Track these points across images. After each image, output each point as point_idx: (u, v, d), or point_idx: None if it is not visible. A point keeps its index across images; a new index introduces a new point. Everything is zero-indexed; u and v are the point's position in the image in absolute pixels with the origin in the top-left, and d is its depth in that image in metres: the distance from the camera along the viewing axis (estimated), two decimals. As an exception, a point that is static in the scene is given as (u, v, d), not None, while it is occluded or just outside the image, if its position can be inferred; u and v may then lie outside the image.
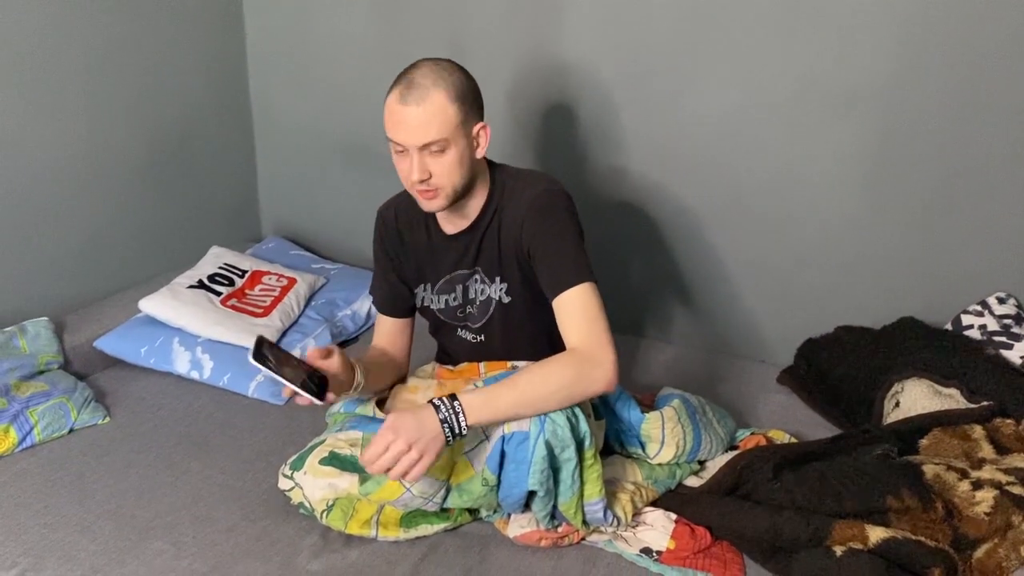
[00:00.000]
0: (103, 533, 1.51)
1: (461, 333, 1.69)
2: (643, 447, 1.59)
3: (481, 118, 1.50)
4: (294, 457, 1.60)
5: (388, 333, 1.72)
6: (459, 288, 1.64)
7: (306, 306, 2.27)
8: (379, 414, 1.63)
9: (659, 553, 1.46)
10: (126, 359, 2.04)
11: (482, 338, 1.67)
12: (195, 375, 2.00)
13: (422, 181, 1.45)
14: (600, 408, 1.58)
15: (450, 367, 1.73)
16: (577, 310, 1.44)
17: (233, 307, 2.13)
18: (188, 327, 2.05)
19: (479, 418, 1.36)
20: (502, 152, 2.29)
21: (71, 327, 2.07)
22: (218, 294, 2.16)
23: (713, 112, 2.04)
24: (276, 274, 2.32)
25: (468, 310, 1.66)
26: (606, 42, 2.09)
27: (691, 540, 1.47)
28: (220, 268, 2.27)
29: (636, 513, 1.53)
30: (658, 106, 2.10)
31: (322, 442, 1.60)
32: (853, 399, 1.85)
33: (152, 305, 2.07)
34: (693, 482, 1.60)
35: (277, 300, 2.20)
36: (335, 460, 1.55)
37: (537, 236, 1.49)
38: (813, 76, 1.92)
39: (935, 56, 1.81)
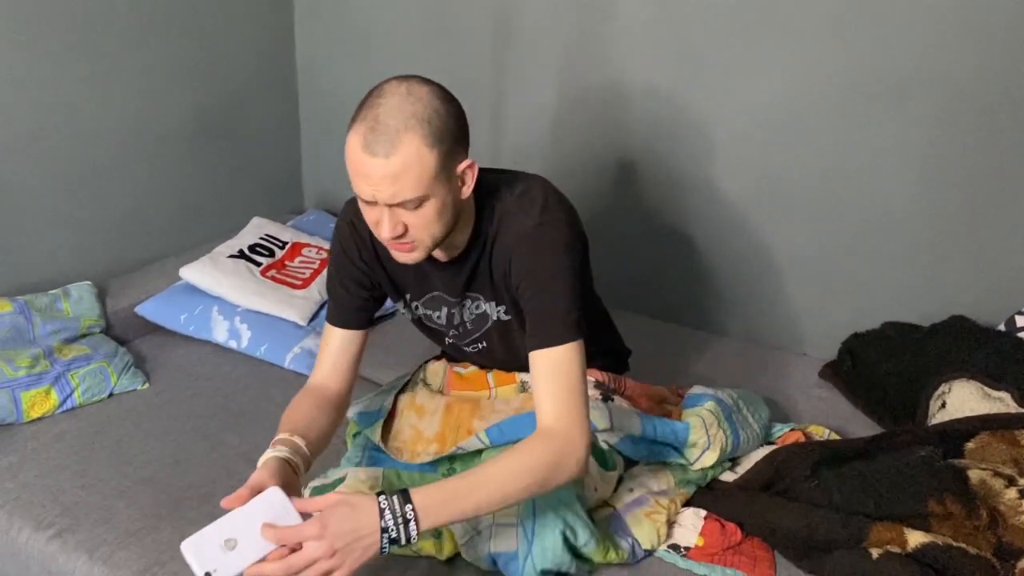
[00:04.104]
0: (139, 498, 1.53)
1: (455, 342, 1.55)
2: (680, 453, 1.53)
3: (466, 152, 1.24)
4: (316, 484, 1.48)
5: (337, 352, 1.43)
6: (444, 309, 1.48)
7: (345, 280, 2.26)
8: (384, 446, 1.54)
9: (687, 549, 1.43)
10: (166, 326, 2.06)
11: (483, 345, 1.52)
12: (233, 344, 2.01)
13: (396, 237, 1.22)
14: (609, 458, 1.46)
15: (459, 371, 1.64)
16: (556, 375, 1.25)
17: (272, 278, 2.14)
18: (227, 296, 2.06)
19: (436, 522, 1.13)
20: (548, 130, 2.26)
21: (113, 292, 2.09)
22: (258, 264, 2.17)
23: (761, 102, 1.99)
24: (316, 246, 2.32)
25: (461, 329, 1.50)
26: (657, 28, 2.05)
27: (721, 536, 1.44)
28: (261, 239, 2.28)
29: (670, 524, 1.46)
30: (705, 95, 2.05)
31: (341, 480, 1.46)
32: (897, 398, 1.81)
33: (192, 273, 2.09)
34: (727, 477, 1.58)
35: (316, 273, 2.20)
36: None
37: (525, 278, 1.30)
38: (864, 66, 1.86)
39: (992, 46, 1.74)
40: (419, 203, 1.18)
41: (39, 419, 1.73)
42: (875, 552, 1.33)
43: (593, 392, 1.54)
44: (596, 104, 2.20)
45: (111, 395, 1.82)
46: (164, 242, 2.32)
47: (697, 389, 1.66)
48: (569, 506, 1.32)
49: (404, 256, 1.26)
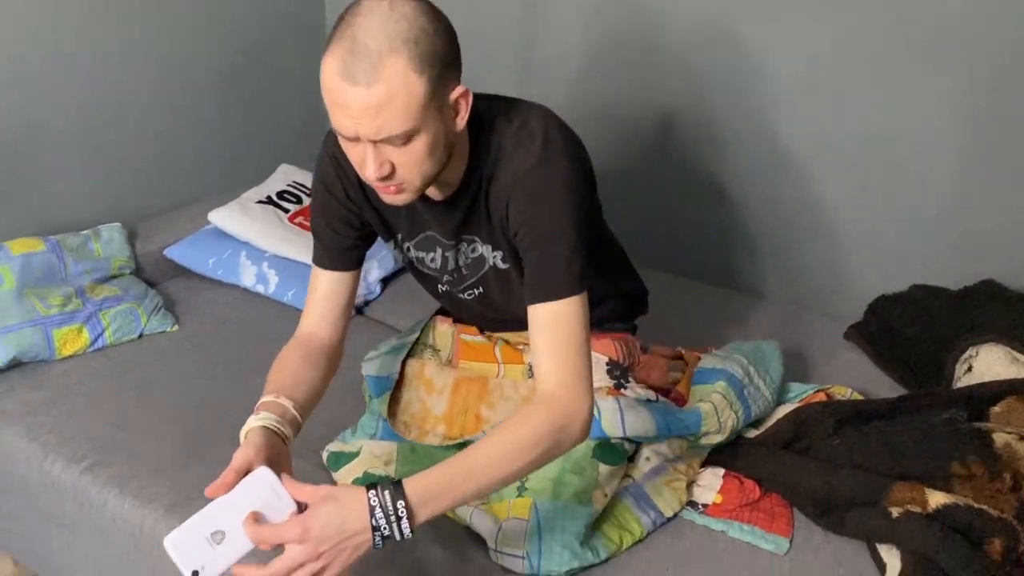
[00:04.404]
0: (168, 437, 1.56)
1: (450, 288, 1.43)
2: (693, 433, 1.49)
3: (458, 78, 1.09)
4: (333, 450, 1.48)
5: (326, 297, 1.33)
6: (438, 250, 1.36)
7: (371, 228, 2.27)
8: (393, 420, 1.51)
9: (705, 506, 1.45)
10: (194, 269, 2.08)
11: (480, 291, 1.40)
12: (260, 289, 2.03)
13: (383, 178, 1.10)
14: (620, 449, 1.40)
15: (466, 338, 1.58)
16: (557, 331, 1.15)
17: (300, 225, 2.15)
18: (255, 241, 2.08)
19: (433, 512, 1.04)
20: (576, 78, 2.23)
21: (143, 235, 2.12)
22: (286, 211, 2.18)
23: (800, 58, 1.95)
24: (343, 194, 2.32)
25: (456, 275, 1.39)
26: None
27: (739, 493, 1.45)
28: (289, 185, 2.28)
29: (689, 484, 1.46)
30: (745, 46, 2.01)
31: (357, 453, 1.45)
32: (923, 360, 1.79)
33: (221, 217, 2.10)
34: (748, 433, 1.58)
35: (343, 221, 2.20)
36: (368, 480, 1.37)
37: (524, 225, 1.19)
38: (912, 25, 1.81)
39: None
40: (407, 138, 1.05)
41: (70, 357, 1.76)
42: (895, 511, 1.33)
43: (606, 382, 1.45)
44: (626, 59, 2.16)
45: (141, 336, 1.85)
46: (193, 186, 2.34)
47: (707, 362, 1.60)
48: (576, 534, 1.28)
49: (392, 198, 1.14)
